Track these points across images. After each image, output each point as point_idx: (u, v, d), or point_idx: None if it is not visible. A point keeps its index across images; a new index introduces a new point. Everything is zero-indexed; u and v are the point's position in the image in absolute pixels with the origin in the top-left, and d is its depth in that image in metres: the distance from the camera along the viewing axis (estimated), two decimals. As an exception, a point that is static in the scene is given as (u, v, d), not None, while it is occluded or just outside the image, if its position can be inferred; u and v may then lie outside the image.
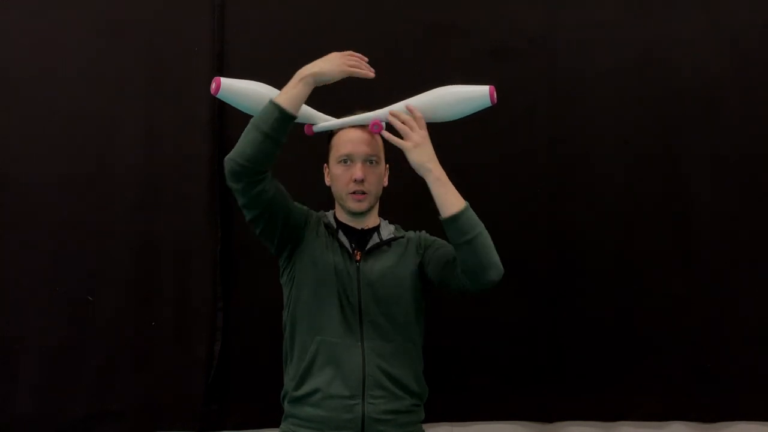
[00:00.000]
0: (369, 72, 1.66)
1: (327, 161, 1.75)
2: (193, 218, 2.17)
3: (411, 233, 1.79)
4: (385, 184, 1.75)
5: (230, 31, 2.22)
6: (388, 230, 1.75)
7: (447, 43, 2.27)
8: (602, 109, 2.29)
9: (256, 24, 2.24)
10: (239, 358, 2.18)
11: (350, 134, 1.69)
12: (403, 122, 1.60)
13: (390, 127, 1.66)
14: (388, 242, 1.71)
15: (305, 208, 1.72)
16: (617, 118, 2.29)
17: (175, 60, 2.20)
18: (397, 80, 2.18)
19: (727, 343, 2.25)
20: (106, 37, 2.19)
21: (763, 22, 2.32)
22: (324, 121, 1.74)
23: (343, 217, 1.73)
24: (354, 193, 1.66)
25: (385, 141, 1.73)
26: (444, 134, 2.15)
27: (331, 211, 1.77)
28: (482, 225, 1.61)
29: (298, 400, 1.60)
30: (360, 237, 1.71)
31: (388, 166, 1.75)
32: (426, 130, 1.61)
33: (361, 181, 1.65)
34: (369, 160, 1.67)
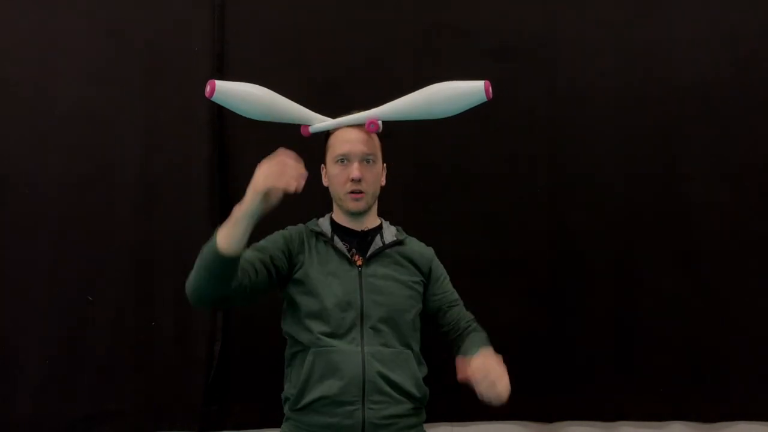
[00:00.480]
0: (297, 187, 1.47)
1: (324, 162, 1.74)
2: (193, 218, 2.17)
3: (417, 242, 1.77)
4: (383, 183, 1.74)
5: (230, 31, 2.22)
6: (390, 233, 1.73)
7: (447, 43, 2.27)
8: (602, 109, 2.29)
9: (256, 24, 2.24)
10: (239, 358, 2.18)
11: (347, 134, 1.69)
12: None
13: (386, 124, 1.66)
14: (391, 246, 1.70)
15: (280, 240, 1.66)
16: (617, 117, 2.29)
17: (175, 60, 2.20)
18: (397, 80, 2.20)
19: (727, 343, 2.25)
20: (106, 37, 2.19)
21: (763, 22, 2.32)
22: (320, 122, 1.74)
23: (342, 219, 1.72)
24: (352, 192, 1.66)
25: (381, 140, 1.72)
26: (444, 134, 2.17)
27: (326, 216, 1.75)
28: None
29: (299, 409, 1.60)
30: (361, 239, 1.70)
31: (385, 165, 1.75)
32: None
33: (359, 181, 1.64)
34: (366, 159, 1.67)
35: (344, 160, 1.66)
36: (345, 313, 1.60)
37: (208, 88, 1.60)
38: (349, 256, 1.66)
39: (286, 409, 1.66)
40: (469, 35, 2.27)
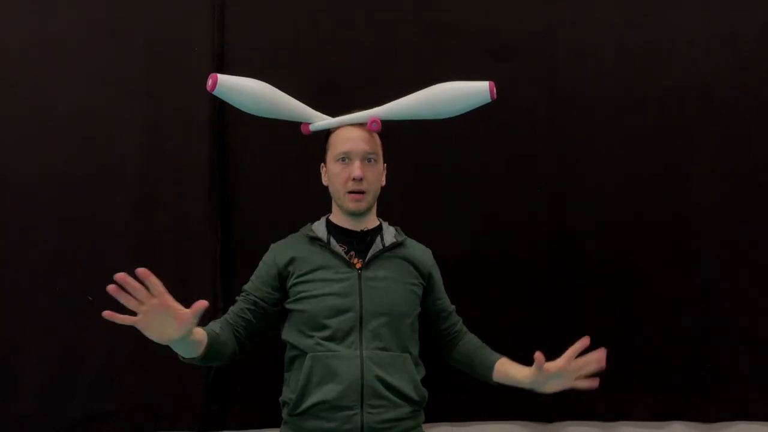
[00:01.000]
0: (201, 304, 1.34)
1: (324, 160, 1.74)
2: (193, 218, 2.17)
3: (416, 244, 1.78)
4: (383, 183, 1.74)
5: (230, 31, 2.22)
6: (390, 234, 1.73)
7: (447, 43, 2.27)
8: (602, 109, 2.29)
9: (256, 24, 2.23)
10: (239, 358, 2.17)
11: (348, 132, 1.68)
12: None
13: (385, 124, 1.66)
14: (391, 248, 1.70)
15: (263, 270, 1.69)
16: (617, 117, 2.29)
17: (175, 60, 2.20)
18: (397, 80, 2.19)
19: (727, 343, 2.25)
20: (106, 37, 2.18)
21: (763, 22, 2.32)
22: (321, 120, 1.74)
23: (340, 220, 1.71)
24: (352, 192, 1.65)
25: (385, 140, 1.72)
26: (445, 134, 2.17)
27: (321, 220, 1.75)
28: None
29: (298, 414, 1.60)
30: (360, 239, 1.69)
31: (386, 165, 1.75)
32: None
33: (360, 180, 1.63)
34: (368, 158, 1.66)
35: (345, 158, 1.65)
36: (343, 316, 1.59)
37: (209, 82, 1.60)
38: (347, 258, 1.65)
39: (284, 413, 1.65)
40: (469, 35, 2.27)
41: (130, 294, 1.25)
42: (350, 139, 1.66)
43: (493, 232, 2.25)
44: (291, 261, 1.66)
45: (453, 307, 1.82)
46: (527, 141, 2.27)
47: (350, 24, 2.25)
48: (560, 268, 2.25)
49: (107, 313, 1.24)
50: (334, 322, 1.58)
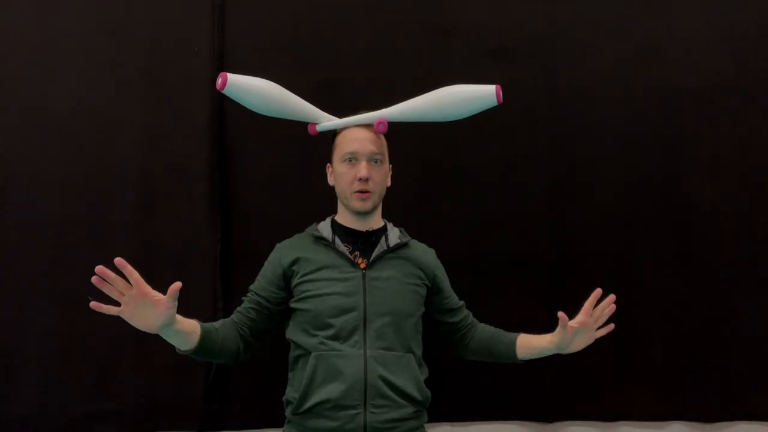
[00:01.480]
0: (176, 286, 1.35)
1: (330, 161, 1.74)
2: (193, 218, 2.17)
3: (421, 245, 1.79)
4: (389, 184, 1.74)
5: (230, 31, 2.22)
6: (394, 235, 1.74)
7: (447, 43, 2.27)
8: (602, 110, 2.29)
9: (256, 24, 2.24)
10: (247, 357, 2.17)
11: (355, 133, 1.69)
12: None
13: (392, 125, 1.66)
14: (395, 248, 1.70)
15: (268, 269, 1.71)
16: (617, 117, 2.29)
17: (175, 60, 2.20)
18: (397, 80, 2.20)
19: (727, 343, 2.25)
20: (106, 37, 2.19)
21: (763, 22, 2.32)
22: (327, 121, 1.74)
23: (346, 219, 1.72)
24: (358, 192, 1.65)
25: (388, 140, 1.73)
26: (445, 134, 2.17)
27: (326, 220, 1.75)
28: None
29: (301, 413, 1.60)
30: (365, 239, 1.69)
31: (391, 166, 1.75)
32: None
33: (366, 180, 1.64)
34: (374, 159, 1.67)
35: (352, 159, 1.66)
36: (347, 316, 1.59)
37: (219, 81, 1.60)
38: (351, 258, 1.65)
39: (288, 412, 1.65)
40: (469, 35, 2.27)
41: (112, 285, 1.32)
42: (357, 140, 1.67)
43: (492, 231, 2.25)
44: (296, 260, 1.66)
45: (462, 302, 1.83)
46: (527, 141, 2.27)
47: (350, 24, 2.25)
48: (560, 268, 2.25)
49: (94, 304, 1.30)
50: (338, 322, 1.58)
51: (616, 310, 2.24)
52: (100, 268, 1.30)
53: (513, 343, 1.73)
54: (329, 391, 1.55)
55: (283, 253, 1.71)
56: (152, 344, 2.13)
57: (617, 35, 2.30)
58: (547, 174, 2.26)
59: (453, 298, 1.81)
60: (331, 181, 1.74)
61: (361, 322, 1.59)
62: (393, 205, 1.78)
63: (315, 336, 1.59)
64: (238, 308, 1.69)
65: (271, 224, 2.10)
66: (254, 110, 1.68)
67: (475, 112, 1.68)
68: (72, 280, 2.12)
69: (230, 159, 2.20)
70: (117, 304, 1.34)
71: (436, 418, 2.05)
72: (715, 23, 2.31)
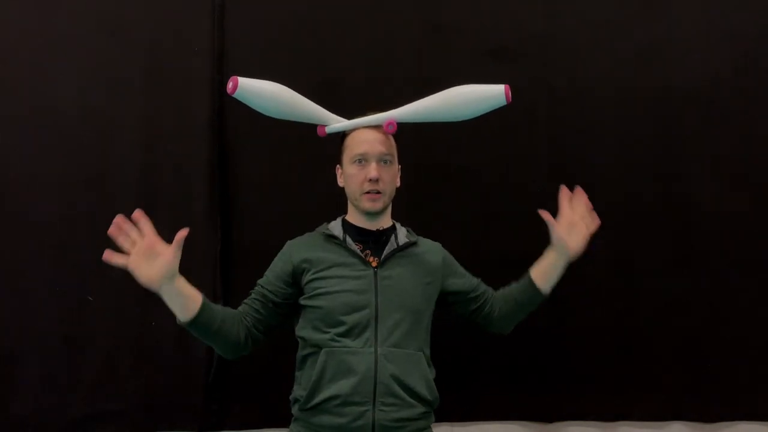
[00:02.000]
0: (182, 233, 1.47)
1: (340, 162, 1.74)
2: (193, 218, 2.17)
3: (427, 242, 1.79)
4: (398, 184, 1.75)
5: (230, 31, 2.22)
6: (402, 234, 1.74)
7: (447, 43, 2.27)
8: (602, 109, 2.29)
9: (256, 24, 2.24)
10: (239, 358, 2.17)
11: (365, 134, 1.69)
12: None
13: (401, 126, 1.67)
14: (404, 248, 1.71)
15: (278, 265, 1.71)
16: (617, 118, 2.29)
17: (175, 60, 2.20)
18: (397, 80, 2.20)
19: (727, 343, 2.25)
20: (106, 37, 2.19)
21: (763, 22, 2.32)
22: (336, 122, 1.74)
23: (356, 220, 1.72)
24: (369, 192, 1.66)
25: (397, 141, 1.73)
26: (444, 134, 2.17)
27: (337, 219, 1.76)
28: None
29: (309, 409, 1.60)
30: (376, 238, 1.70)
31: (400, 166, 1.76)
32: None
33: (376, 181, 1.65)
34: (384, 160, 1.67)
35: (362, 160, 1.67)
36: (359, 313, 1.60)
37: (230, 85, 1.60)
38: (362, 256, 1.66)
39: (295, 409, 1.65)
40: (469, 35, 2.27)
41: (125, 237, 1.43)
42: (366, 141, 1.68)
43: (492, 231, 2.25)
44: (307, 258, 1.67)
45: (478, 279, 1.84)
46: (527, 141, 2.27)
47: (350, 24, 2.25)
48: (560, 268, 2.25)
49: (107, 252, 1.41)
50: (349, 319, 1.59)
51: (616, 310, 2.26)
52: (119, 218, 1.42)
53: (531, 282, 1.75)
54: (339, 387, 1.56)
55: (294, 249, 1.71)
56: (152, 344, 2.15)
57: (617, 35, 2.30)
58: (547, 174, 2.26)
59: (467, 278, 1.81)
60: (340, 182, 1.75)
61: (372, 320, 1.60)
62: (394, 204, 1.78)
63: (326, 333, 1.60)
64: (245, 300, 1.69)
65: (271, 224, 2.10)
66: (264, 113, 1.68)
67: (483, 112, 1.68)
68: (72, 280, 2.12)
69: (230, 159, 2.20)
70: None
71: (436, 417, 2.05)
72: (715, 23, 2.31)
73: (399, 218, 1.81)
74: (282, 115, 1.70)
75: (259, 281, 1.71)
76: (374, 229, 1.71)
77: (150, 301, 2.13)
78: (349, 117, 1.74)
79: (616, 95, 2.29)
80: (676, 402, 2.26)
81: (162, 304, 2.13)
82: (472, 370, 2.21)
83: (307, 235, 1.76)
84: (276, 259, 1.73)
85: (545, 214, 1.65)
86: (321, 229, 1.75)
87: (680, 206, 2.28)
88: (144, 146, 2.18)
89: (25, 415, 2.09)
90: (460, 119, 1.69)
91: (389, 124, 1.66)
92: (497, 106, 1.65)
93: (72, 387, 2.11)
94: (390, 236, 1.72)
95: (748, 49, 2.31)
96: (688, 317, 2.25)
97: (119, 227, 1.42)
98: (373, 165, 1.65)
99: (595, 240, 2.26)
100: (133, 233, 1.43)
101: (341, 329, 1.59)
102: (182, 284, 1.49)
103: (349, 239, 1.68)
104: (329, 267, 1.64)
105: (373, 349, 1.58)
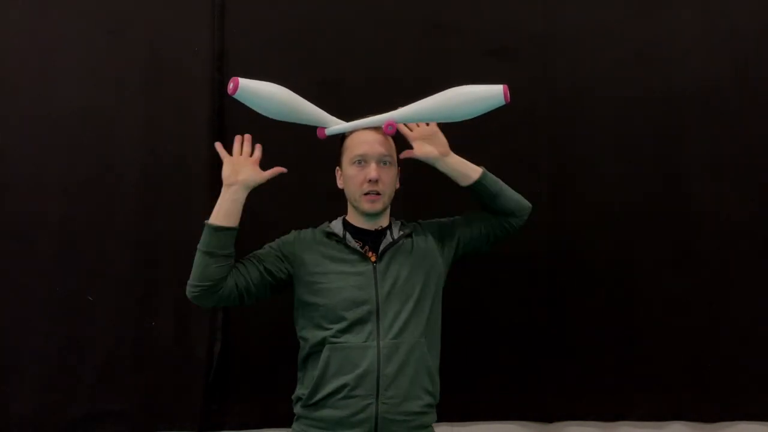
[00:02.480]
0: (278, 168, 1.72)
1: (339, 164, 1.75)
2: (193, 218, 2.16)
3: (420, 228, 1.80)
4: (398, 186, 1.76)
5: (230, 31, 2.22)
6: (396, 227, 1.76)
7: (447, 43, 2.27)
8: (602, 109, 2.29)
9: (256, 24, 2.24)
10: (239, 358, 2.18)
11: (364, 135, 1.70)
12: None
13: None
14: (399, 240, 1.71)
15: (274, 246, 1.73)
16: (617, 117, 2.29)
17: (175, 60, 2.20)
18: (397, 80, 2.20)
19: (727, 343, 2.25)
20: (106, 37, 2.19)
21: (763, 22, 2.32)
22: (336, 124, 1.74)
23: (356, 220, 1.73)
24: (368, 194, 1.66)
25: (398, 144, 1.73)
26: (444, 134, 2.16)
27: (338, 219, 1.77)
28: None
29: (312, 404, 1.60)
30: (375, 238, 1.71)
31: (400, 169, 1.76)
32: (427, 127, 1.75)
33: (376, 182, 1.65)
34: (383, 161, 1.68)
35: (361, 161, 1.67)
36: (360, 308, 1.61)
37: (231, 85, 1.60)
38: (362, 252, 1.66)
39: (297, 407, 1.66)
40: (469, 35, 2.27)
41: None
42: (366, 142, 1.68)
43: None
44: (307, 250, 1.68)
45: (461, 215, 1.86)
46: (527, 141, 2.27)
47: (350, 24, 2.25)
48: (560, 268, 2.25)
49: (218, 145, 1.71)
50: (351, 314, 1.60)
51: (616, 310, 2.26)
52: (241, 137, 1.71)
53: (462, 189, 1.80)
54: (342, 381, 1.57)
55: (298, 238, 1.73)
56: (152, 345, 2.15)
57: (617, 35, 2.30)
58: (547, 174, 2.26)
59: (457, 225, 1.82)
60: (340, 184, 1.75)
61: (374, 315, 1.61)
62: (393, 204, 1.79)
63: (328, 329, 1.61)
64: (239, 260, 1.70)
65: (271, 224, 2.09)
66: (264, 114, 1.68)
67: (482, 112, 1.68)
68: (72, 280, 2.13)
69: (230, 159, 2.19)
70: None
71: (436, 418, 2.05)
72: (715, 23, 2.31)
73: (398, 217, 1.81)
74: (282, 117, 1.70)
75: (256, 252, 1.73)
76: (373, 229, 1.72)
77: (150, 301, 2.16)
78: (348, 117, 1.75)
79: (616, 95, 2.29)
80: (676, 402, 2.26)
81: (162, 304, 2.15)
82: (472, 370, 2.21)
83: (311, 229, 1.77)
84: (279, 239, 1.75)
85: (405, 154, 1.73)
86: (322, 227, 1.76)
87: (680, 206, 2.27)
88: (144, 146, 2.18)
89: (25, 415, 2.09)
90: (459, 120, 1.69)
91: (389, 125, 1.67)
92: (497, 106, 1.65)
93: (72, 387, 2.11)
94: (386, 233, 1.73)
95: (748, 49, 2.31)
96: (688, 317, 2.25)
97: (240, 140, 1.69)
98: (373, 166, 1.66)
99: (595, 240, 2.28)
100: (247, 146, 1.68)
101: (343, 325, 1.60)
102: (242, 202, 1.65)
103: (348, 236, 1.69)
104: (329, 263, 1.66)
105: (375, 343, 1.59)
